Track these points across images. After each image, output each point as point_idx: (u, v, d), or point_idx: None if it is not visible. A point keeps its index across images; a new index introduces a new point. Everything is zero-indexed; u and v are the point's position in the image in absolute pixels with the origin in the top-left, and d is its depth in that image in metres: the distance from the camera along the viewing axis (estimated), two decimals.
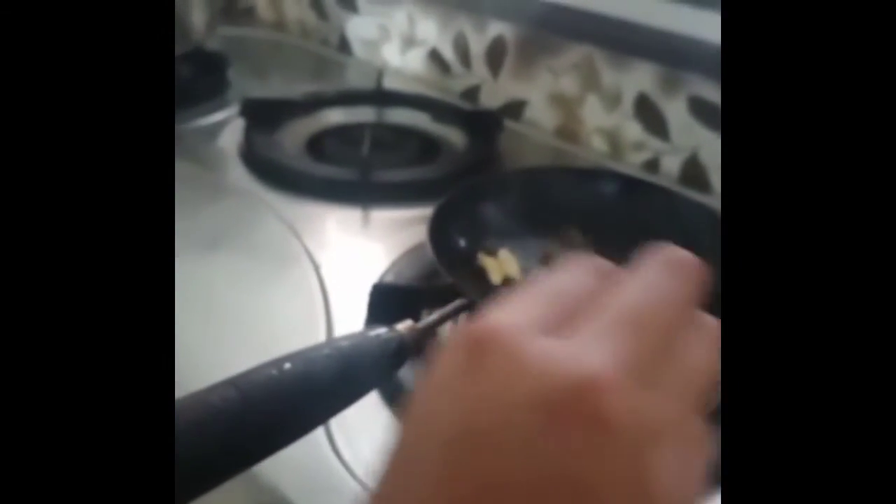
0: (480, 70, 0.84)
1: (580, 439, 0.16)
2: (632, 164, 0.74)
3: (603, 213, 0.54)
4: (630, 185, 0.57)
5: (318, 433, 0.41)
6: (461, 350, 0.18)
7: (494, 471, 0.16)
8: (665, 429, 0.17)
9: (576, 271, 0.21)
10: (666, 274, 0.20)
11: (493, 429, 0.17)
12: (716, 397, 0.20)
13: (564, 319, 0.19)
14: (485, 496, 0.16)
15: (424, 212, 0.51)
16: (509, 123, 0.77)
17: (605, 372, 0.17)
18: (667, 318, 0.19)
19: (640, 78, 0.72)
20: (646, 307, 0.19)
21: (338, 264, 0.56)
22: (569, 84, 0.77)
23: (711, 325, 0.20)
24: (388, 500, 0.18)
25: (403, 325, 0.36)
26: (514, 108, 0.82)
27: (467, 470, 0.17)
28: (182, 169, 0.72)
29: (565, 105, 0.78)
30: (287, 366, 0.31)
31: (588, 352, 0.18)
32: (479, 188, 0.54)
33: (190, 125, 0.75)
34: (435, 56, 0.88)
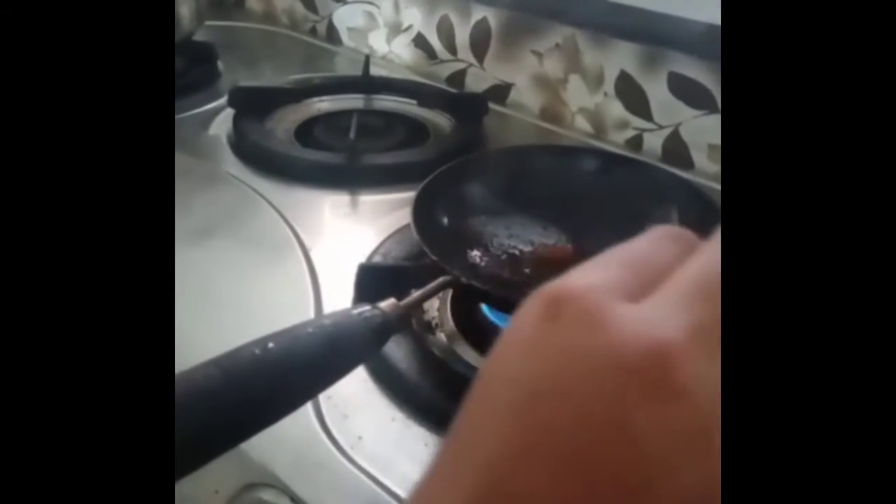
0: (465, 55, 0.85)
1: (650, 405, 0.16)
2: (615, 143, 0.75)
3: (585, 189, 0.55)
4: (611, 161, 0.58)
5: (308, 410, 0.43)
6: (538, 307, 0.18)
7: (563, 423, 0.17)
8: None
9: (653, 239, 0.21)
10: None
11: (569, 386, 0.17)
12: None
13: (641, 286, 0.19)
14: (553, 445, 0.17)
15: (412, 194, 0.52)
16: (495, 106, 0.78)
17: (680, 339, 0.17)
18: None
19: (621, 57, 0.73)
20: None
21: (327, 247, 0.57)
22: (552, 66, 0.78)
23: None
24: (465, 442, 0.18)
25: (386, 303, 0.37)
26: (500, 92, 0.83)
27: (539, 419, 0.17)
28: (175, 159, 0.73)
29: (549, 87, 0.79)
30: (270, 345, 0.32)
31: (663, 318, 0.17)
32: (461, 168, 0.55)
33: (181, 115, 0.76)
34: (421, 42, 0.89)
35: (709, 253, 0.20)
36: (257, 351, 0.31)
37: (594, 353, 0.17)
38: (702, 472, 0.17)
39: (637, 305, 0.18)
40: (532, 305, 0.19)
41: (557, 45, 0.77)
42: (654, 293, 0.18)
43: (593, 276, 0.19)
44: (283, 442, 0.40)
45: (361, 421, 0.43)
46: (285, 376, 0.32)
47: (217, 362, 0.30)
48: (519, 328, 0.19)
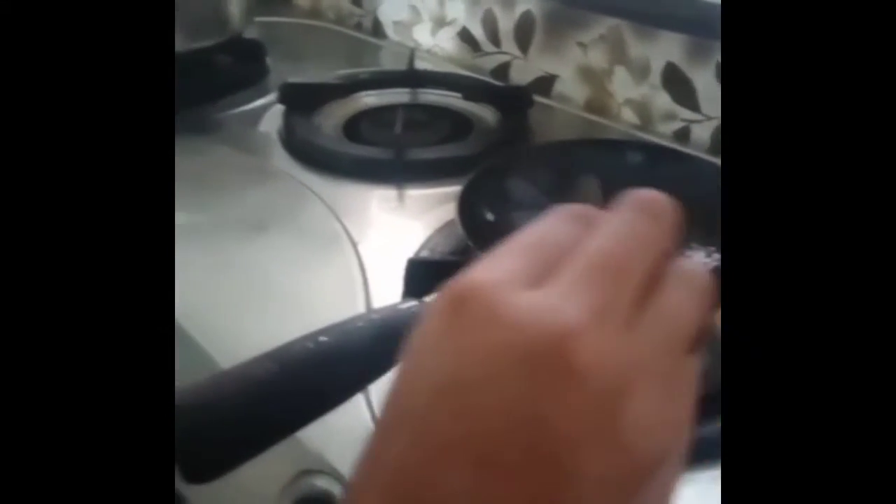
0: (510, 47, 0.85)
1: (554, 389, 0.17)
2: (662, 134, 0.75)
3: (631, 183, 0.55)
4: (658, 154, 0.58)
5: (359, 400, 0.44)
6: (443, 307, 0.19)
7: (474, 421, 0.17)
8: (641, 373, 0.18)
9: (554, 221, 0.21)
10: (640, 217, 0.20)
11: (474, 381, 0.17)
12: (705, 351, 0.20)
13: (543, 270, 0.19)
14: (465, 445, 0.17)
15: (457, 188, 0.53)
16: (539, 99, 0.78)
17: (578, 321, 0.17)
18: (642, 262, 0.19)
19: (667, 48, 0.72)
20: (622, 253, 0.19)
21: (375, 241, 0.58)
22: (597, 57, 0.78)
23: (693, 270, 0.20)
24: (381, 446, 0.18)
25: (433, 298, 0.38)
26: (545, 84, 0.83)
27: (449, 419, 0.17)
28: (226, 154, 0.75)
29: (594, 78, 0.79)
30: (322, 338, 0.34)
31: (562, 302, 0.18)
32: (506, 163, 0.56)
33: (232, 112, 0.78)
34: (465, 35, 0.89)
35: (605, 229, 0.20)
36: (310, 344, 0.33)
37: (496, 346, 0.17)
38: (611, 452, 0.17)
39: (536, 292, 0.18)
40: (437, 303, 0.19)
41: (602, 37, 0.76)
42: (554, 276, 0.19)
43: (493, 267, 0.19)
44: (336, 431, 0.41)
45: None
46: (337, 369, 0.33)
47: (273, 355, 0.32)
48: (425, 326, 0.19)
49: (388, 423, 0.19)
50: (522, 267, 0.19)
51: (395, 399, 0.19)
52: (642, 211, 0.20)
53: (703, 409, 0.20)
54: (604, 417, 0.17)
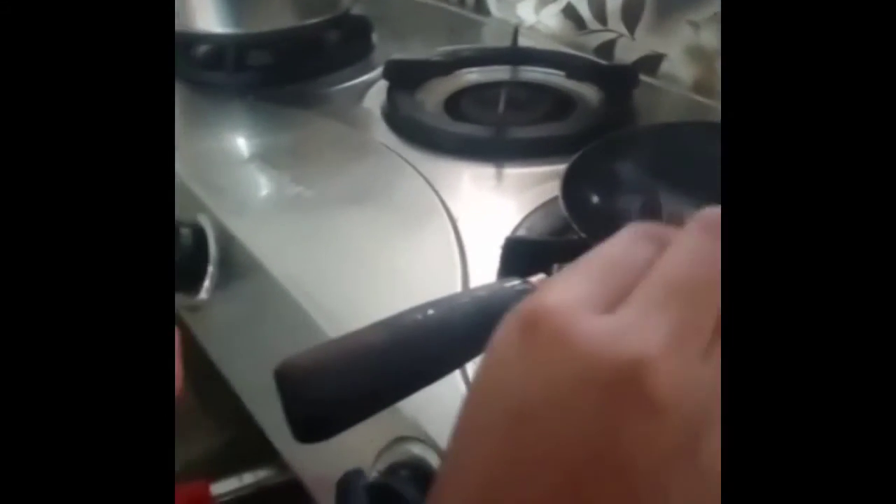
0: (616, 24, 0.83)
1: (632, 421, 0.16)
2: None
3: None
4: None
5: (456, 375, 0.45)
6: (515, 327, 0.19)
7: (547, 446, 0.17)
8: (718, 402, 0.17)
9: (626, 240, 0.21)
10: (711, 238, 0.19)
11: (546, 405, 0.17)
12: None
13: (616, 293, 0.19)
14: (538, 468, 0.17)
15: (557, 168, 0.53)
16: (645, 78, 0.77)
17: (653, 350, 0.17)
18: (715, 285, 0.18)
19: None
20: (696, 275, 0.18)
21: (473, 218, 0.59)
22: (709, 36, 0.75)
23: None
24: (456, 460, 0.19)
25: (537, 278, 0.38)
26: (651, 63, 0.81)
27: (522, 441, 0.17)
28: (331, 129, 0.77)
29: (705, 58, 0.76)
30: (430, 311, 0.35)
31: (636, 329, 0.17)
32: (613, 144, 0.55)
33: (338, 87, 0.80)
34: (570, 12, 0.88)
35: (679, 250, 0.19)
36: (419, 316, 0.33)
37: (569, 372, 0.17)
38: (688, 488, 0.16)
39: (609, 316, 0.18)
40: (508, 324, 0.19)
41: (716, 15, 0.74)
42: (628, 300, 0.18)
43: (565, 289, 0.19)
44: (433, 400, 0.42)
45: None
46: (443, 341, 0.34)
47: (384, 324, 0.33)
48: (498, 348, 0.19)
49: (468, 435, 0.19)
50: (595, 289, 0.19)
51: (473, 411, 0.19)
52: (713, 232, 0.20)
53: None
54: (684, 451, 0.17)
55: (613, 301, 0.19)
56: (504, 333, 0.19)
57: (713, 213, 0.20)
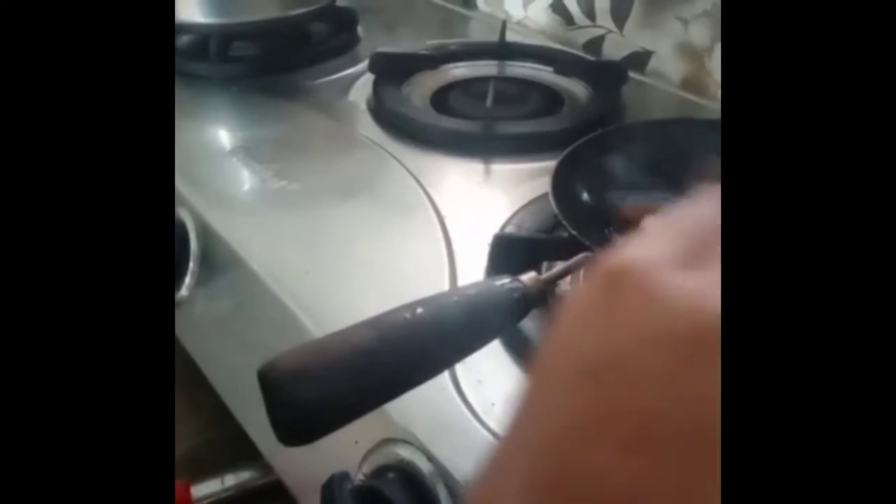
0: (605, 20, 0.83)
1: (709, 375, 0.16)
2: None
3: None
4: None
5: (444, 376, 0.44)
6: (597, 284, 0.18)
7: (626, 398, 0.17)
8: None
9: (706, 200, 0.20)
10: None
11: (629, 362, 0.17)
12: None
13: (698, 251, 0.18)
14: (614, 423, 0.16)
15: (546, 164, 0.52)
16: (633, 75, 0.76)
17: None
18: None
19: None
20: None
21: (461, 214, 0.58)
22: (698, 33, 0.75)
23: None
24: (522, 427, 0.18)
25: (527, 276, 0.37)
26: (639, 60, 0.80)
27: (598, 396, 0.17)
28: (316, 121, 0.76)
29: (693, 55, 0.76)
30: (419, 310, 0.34)
31: (719, 286, 0.17)
32: (604, 140, 0.54)
33: (323, 80, 0.78)
34: (558, 7, 0.87)
35: None
36: (408, 315, 0.33)
37: (656, 325, 0.17)
38: None
39: (693, 273, 0.18)
40: (591, 284, 0.19)
41: (706, 12, 0.73)
42: (710, 259, 0.18)
43: (650, 246, 0.19)
44: (421, 402, 0.42)
45: (495, 389, 0.44)
46: (433, 341, 0.33)
47: (372, 323, 0.32)
48: (578, 302, 0.19)
49: (531, 403, 0.18)
50: (679, 247, 0.19)
51: (543, 370, 0.19)
52: None
53: None
54: None
55: (697, 259, 0.18)
56: (584, 289, 0.19)
57: None
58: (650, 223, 0.20)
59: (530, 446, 0.17)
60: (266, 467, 0.57)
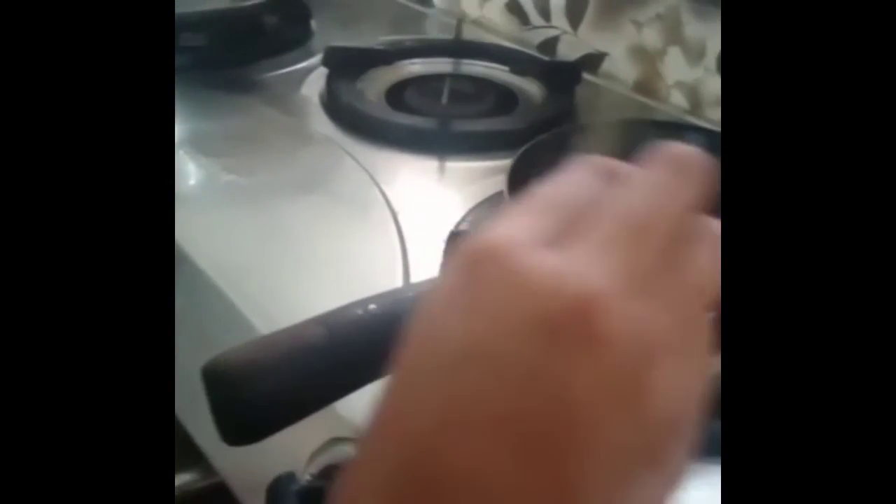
0: (560, 21, 0.83)
1: (574, 357, 0.16)
2: (711, 120, 0.73)
3: None
4: (714, 139, 0.56)
5: None
6: (458, 267, 0.17)
7: (491, 391, 0.16)
8: (667, 343, 0.17)
9: (577, 175, 0.20)
10: (670, 174, 0.19)
11: (491, 348, 0.16)
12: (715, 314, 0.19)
13: (565, 228, 0.18)
14: (478, 415, 0.16)
15: (500, 163, 0.52)
16: (587, 76, 0.77)
17: (604, 287, 0.16)
18: (670, 223, 0.18)
19: None
20: (648, 212, 0.18)
21: (415, 211, 0.57)
22: (651, 36, 0.76)
23: (714, 230, 0.19)
24: (388, 415, 0.17)
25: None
26: (593, 61, 0.81)
27: (461, 384, 0.16)
28: (267, 115, 0.75)
29: (646, 58, 0.77)
30: (372, 307, 0.33)
31: (586, 265, 0.17)
32: (560, 139, 0.54)
33: (274, 73, 0.77)
34: (513, 6, 0.87)
35: (632, 185, 0.18)
36: (360, 311, 0.32)
37: (515, 309, 0.16)
38: (634, 422, 0.16)
39: (559, 252, 0.17)
40: (453, 267, 0.18)
41: (659, 16, 0.74)
42: (577, 236, 0.17)
43: (510, 225, 0.18)
44: (369, 399, 0.41)
45: None
46: (386, 338, 0.32)
47: (322, 320, 0.31)
48: (441, 287, 0.18)
49: (398, 388, 0.18)
50: (543, 225, 0.18)
51: (406, 362, 0.18)
52: (672, 167, 0.19)
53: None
54: (627, 386, 0.16)
55: (562, 237, 0.17)
56: (446, 273, 0.18)
57: (678, 148, 0.19)
58: (519, 201, 0.19)
59: (393, 438, 0.17)
60: (208, 469, 0.56)
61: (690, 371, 0.17)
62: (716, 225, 0.19)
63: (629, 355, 0.16)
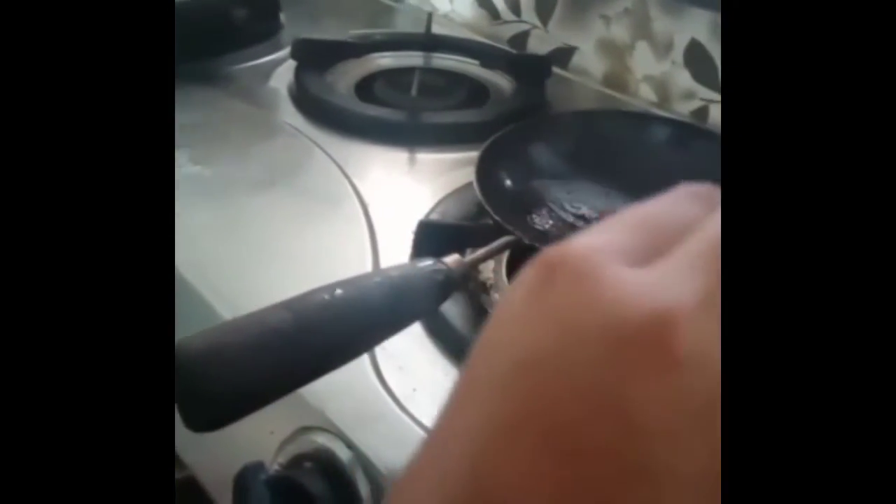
0: (530, 16, 0.83)
1: (645, 376, 0.15)
2: (680, 113, 0.74)
3: (654, 158, 0.54)
4: (683, 130, 0.57)
5: (364, 359, 0.43)
6: (535, 273, 0.17)
7: (547, 400, 0.15)
8: None
9: (674, 198, 0.19)
10: None
11: (558, 354, 0.15)
12: None
13: (654, 248, 0.17)
14: (532, 425, 0.15)
15: (470, 154, 0.52)
16: (557, 70, 0.77)
17: (683, 305, 0.15)
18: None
19: (693, 24, 0.71)
20: None
21: (385, 203, 0.57)
22: (620, 31, 0.76)
23: None
24: (451, 420, 0.17)
25: (451, 259, 0.37)
26: (563, 55, 0.81)
27: (526, 392, 0.15)
28: (234, 107, 0.74)
29: (615, 52, 0.77)
30: (338, 291, 0.33)
31: (668, 283, 0.16)
32: (527, 129, 0.54)
33: (243, 66, 0.76)
34: (484, 2, 0.87)
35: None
36: (326, 296, 0.32)
37: (588, 318, 0.16)
38: (710, 450, 0.15)
39: (642, 269, 0.16)
40: (530, 269, 0.17)
41: (627, 10, 0.75)
42: (662, 255, 0.17)
43: (598, 237, 0.17)
44: (339, 388, 0.41)
45: (416, 374, 0.43)
46: (352, 323, 0.32)
47: (288, 305, 0.31)
48: (514, 294, 0.17)
49: (462, 393, 0.17)
50: (629, 241, 0.17)
51: (471, 368, 0.17)
52: None
53: None
54: (706, 414, 0.15)
55: (647, 257, 0.17)
56: (520, 279, 0.17)
57: None
58: (607, 218, 0.18)
59: (454, 444, 0.16)
60: (178, 464, 0.55)
61: None
62: None
63: (707, 382, 0.15)
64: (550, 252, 0.17)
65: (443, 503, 0.15)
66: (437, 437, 0.17)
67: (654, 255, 0.17)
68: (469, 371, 0.17)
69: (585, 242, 0.17)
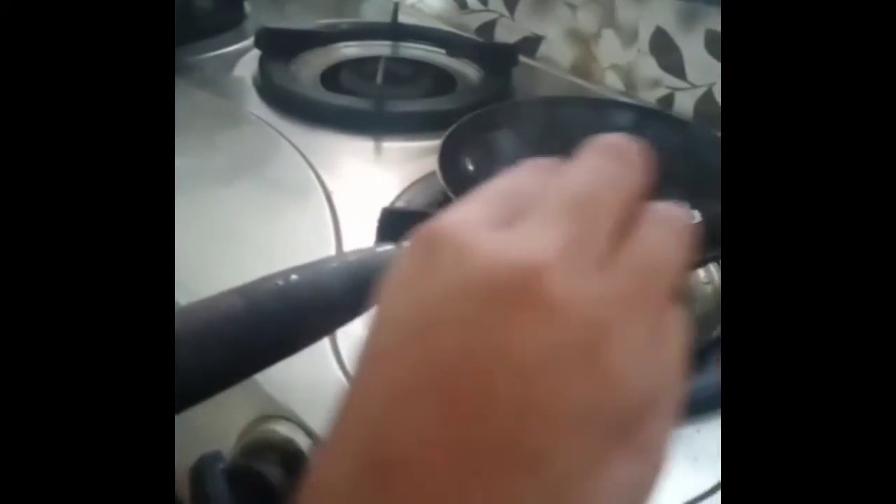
0: (497, 5, 0.83)
1: (518, 320, 0.16)
2: (646, 101, 0.74)
3: None
4: (645, 116, 0.57)
5: (324, 345, 0.43)
6: (413, 249, 0.19)
7: (436, 361, 0.17)
8: (620, 312, 0.17)
9: (524, 171, 0.21)
10: (607, 159, 0.20)
11: (443, 316, 0.17)
12: (688, 302, 0.20)
13: (514, 214, 0.19)
14: (429, 386, 0.16)
15: (436, 143, 0.51)
16: (524, 59, 0.77)
17: (550, 254, 0.17)
18: (613, 200, 0.19)
19: (658, 12, 0.71)
20: (590, 191, 0.19)
21: (350, 192, 0.57)
22: (586, 19, 0.76)
23: (670, 212, 0.20)
24: (351, 395, 0.18)
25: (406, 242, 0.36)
26: (530, 44, 0.81)
27: (417, 357, 0.17)
28: (199, 98, 0.73)
29: (581, 41, 0.77)
30: (294, 277, 0.32)
31: (534, 237, 0.18)
32: (490, 116, 0.54)
33: (207, 55, 0.75)
34: None
35: (570, 173, 0.20)
36: (280, 282, 0.31)
37: (466, 281, 0.17)
38: (590, 387, 0.16)
39: (506, 231, 0.18)
40: (409, 250, 0.19)
41: None
42: (523, 217, 0.19)
43: (464, 211, 0.19)
44: (299, 376, 0.40)
45: None
46: (307, 308, 0.32)
47: (241, 291, 0.30)
48: (396, 270, 0.19)
49: (362, 367, 0.18)
50: (492, 210, 0.19)
51: (368, 343, 0.18)
52: (609, 154, 0.20)
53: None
54: (582, 354, 0.16)
55: (508, 222, 0.19)
56: (402, 258, 0.19)
57: (610, 136, 0.21)
58: (472, 194, 0.20)
59: (356, 418, 0.17)
60: None
61: (654, 344, 0.18)
62: (671, 210, 0.20)
63: (581, 322, 0.16)
64: (425, 228, 0.19)
65: (351, 469, 0.16)
66: (340, 413, 0.18)
67: (514, 220, 0.19)
68: (367, 344, 0.18)
69: (454, 216, 0.19)
